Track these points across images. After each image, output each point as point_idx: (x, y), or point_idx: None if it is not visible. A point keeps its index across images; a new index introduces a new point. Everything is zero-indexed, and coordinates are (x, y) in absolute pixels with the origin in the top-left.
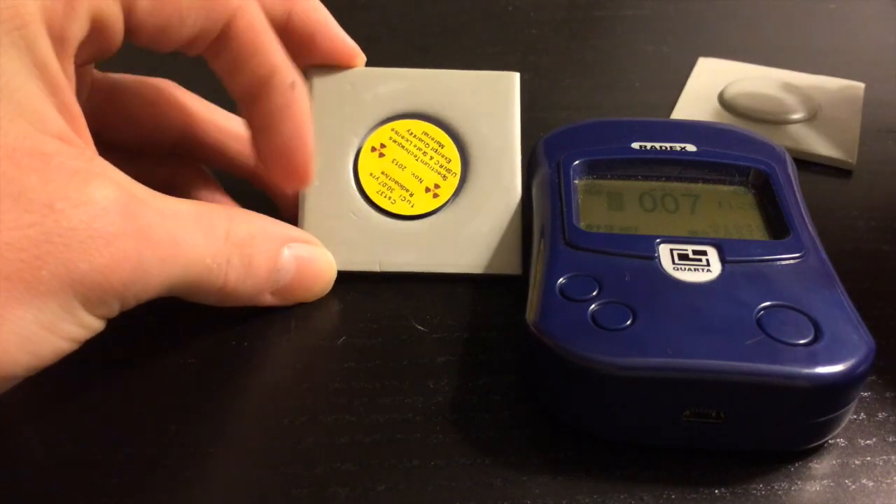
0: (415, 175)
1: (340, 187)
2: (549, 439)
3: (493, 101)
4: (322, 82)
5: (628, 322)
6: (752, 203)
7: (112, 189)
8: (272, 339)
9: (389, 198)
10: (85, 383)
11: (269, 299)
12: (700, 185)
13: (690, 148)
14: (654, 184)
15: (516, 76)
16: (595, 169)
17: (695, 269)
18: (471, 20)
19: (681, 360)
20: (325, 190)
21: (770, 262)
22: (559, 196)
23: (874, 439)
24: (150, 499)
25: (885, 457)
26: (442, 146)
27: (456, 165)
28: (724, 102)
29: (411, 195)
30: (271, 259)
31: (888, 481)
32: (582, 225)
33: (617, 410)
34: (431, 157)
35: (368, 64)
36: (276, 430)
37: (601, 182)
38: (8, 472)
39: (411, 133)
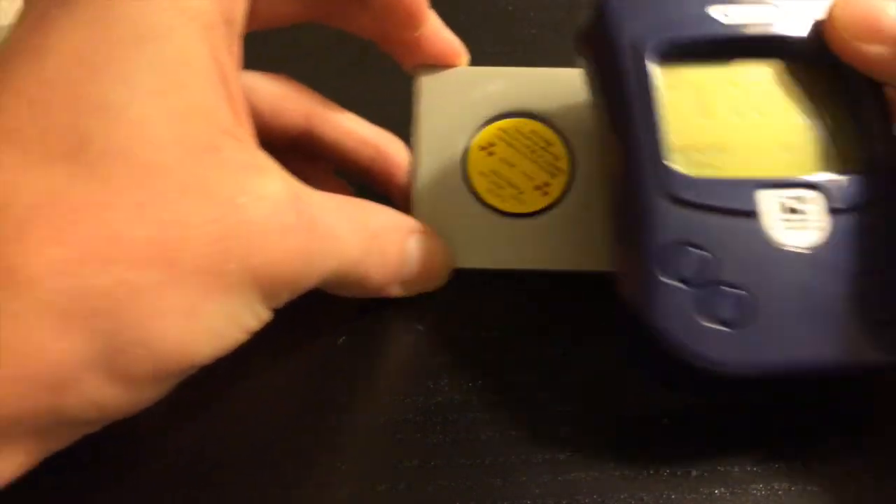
0: (524, 173)
1: (451, 186)
2: (549, 439)
3: None
4: (430, 81)
5: (743, 314)
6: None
7: (281, 183)
8: (272, 338)
9: (500, 196)
10: None
11: (395, 290)
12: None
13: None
14: (740, 69)
15: None
16: (681, 51)
17: (800, 229)
18: (471, 20)
19: (800, 359)
20: (435, 189)
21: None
22: (639, 102)
23: (874, 439)
24: (150, 499)
25: (885, 457)
26: (550, 144)
27: (564, 163)
28: None
29: (521, 193)
30: (401, 250)
31: (889, 481)
32: (674, 142)
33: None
34: (540, 156)
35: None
36: (276, 430)
37: (687, 71)
38: None
39: (519, 131)
